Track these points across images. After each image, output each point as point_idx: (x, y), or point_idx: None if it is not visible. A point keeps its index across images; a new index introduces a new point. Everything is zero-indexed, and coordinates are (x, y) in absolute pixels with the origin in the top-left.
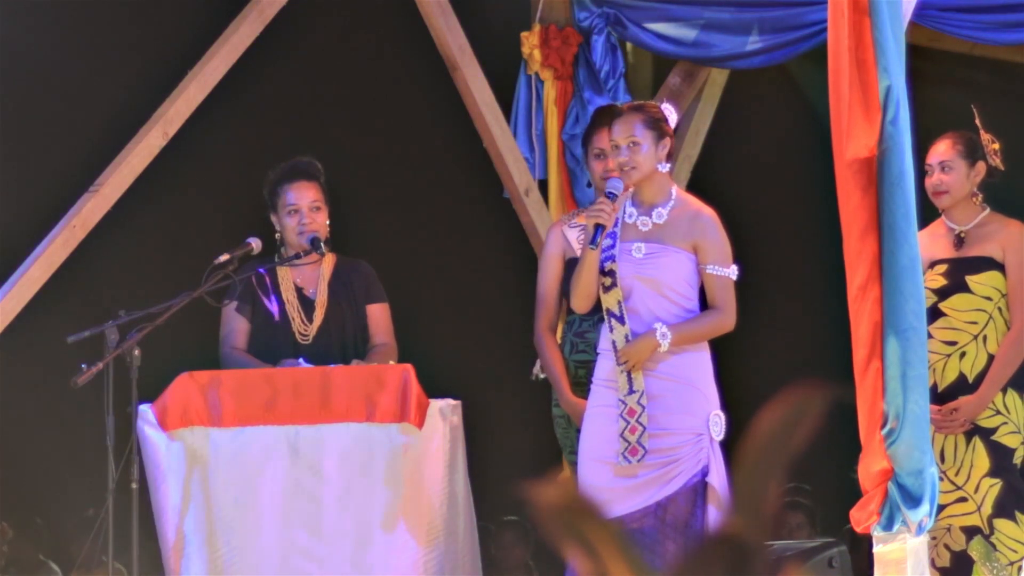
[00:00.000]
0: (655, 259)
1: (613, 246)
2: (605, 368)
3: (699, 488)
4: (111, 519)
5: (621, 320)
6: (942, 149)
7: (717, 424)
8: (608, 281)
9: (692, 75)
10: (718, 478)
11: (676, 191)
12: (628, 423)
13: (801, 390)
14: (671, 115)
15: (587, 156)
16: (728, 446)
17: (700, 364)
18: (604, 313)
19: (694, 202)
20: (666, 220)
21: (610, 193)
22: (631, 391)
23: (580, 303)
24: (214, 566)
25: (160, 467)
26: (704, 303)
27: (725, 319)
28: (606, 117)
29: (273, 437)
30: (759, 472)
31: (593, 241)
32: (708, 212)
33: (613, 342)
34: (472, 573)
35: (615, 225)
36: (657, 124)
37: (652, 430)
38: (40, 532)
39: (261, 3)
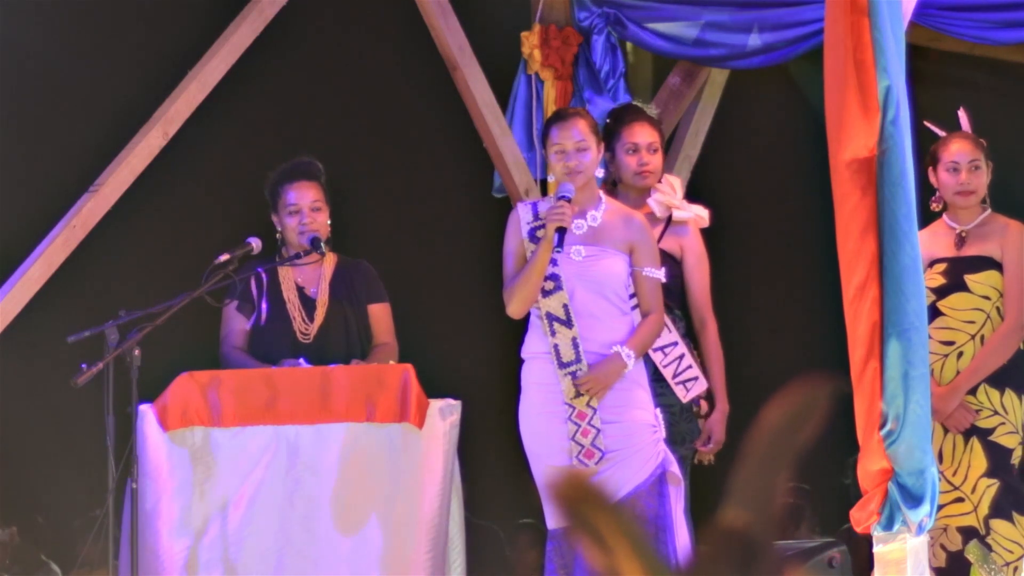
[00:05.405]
0: (595, 261)
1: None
2: (539, 371)
3: (662, 479)
4: (111, 519)
5: (567, 323)
6: (969, 148)
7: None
8: (550, 285)
9: (692, 75)
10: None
11: (603, 195)
12: (579, 426)
13: (807, 384)
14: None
15: (614, 152)
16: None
17: (640, 366)
18: (543, 318)
19: (622, 206)
20: (600, 223)
21: (564, 196)
22: (579, 394)
23: (519, 307)
24: (215, 565)
25: (160, 467)
26: None
27: (660, 321)
28: (637, 113)
29: (273, 437)
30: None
31: (559, 244)
32: (638, 215)
33: (556, 346)
34: (467, 572)
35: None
36: (597, 130)
37: (603, 428)
38: (41, 532)
39: (261, 3)
